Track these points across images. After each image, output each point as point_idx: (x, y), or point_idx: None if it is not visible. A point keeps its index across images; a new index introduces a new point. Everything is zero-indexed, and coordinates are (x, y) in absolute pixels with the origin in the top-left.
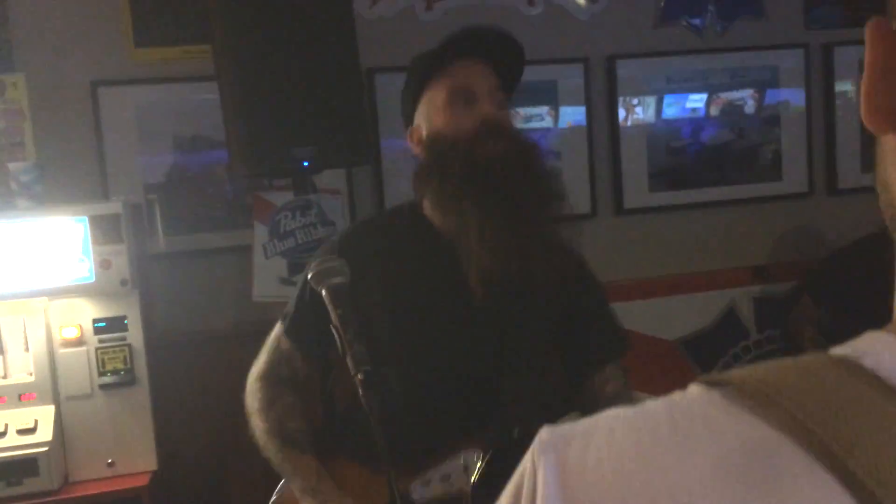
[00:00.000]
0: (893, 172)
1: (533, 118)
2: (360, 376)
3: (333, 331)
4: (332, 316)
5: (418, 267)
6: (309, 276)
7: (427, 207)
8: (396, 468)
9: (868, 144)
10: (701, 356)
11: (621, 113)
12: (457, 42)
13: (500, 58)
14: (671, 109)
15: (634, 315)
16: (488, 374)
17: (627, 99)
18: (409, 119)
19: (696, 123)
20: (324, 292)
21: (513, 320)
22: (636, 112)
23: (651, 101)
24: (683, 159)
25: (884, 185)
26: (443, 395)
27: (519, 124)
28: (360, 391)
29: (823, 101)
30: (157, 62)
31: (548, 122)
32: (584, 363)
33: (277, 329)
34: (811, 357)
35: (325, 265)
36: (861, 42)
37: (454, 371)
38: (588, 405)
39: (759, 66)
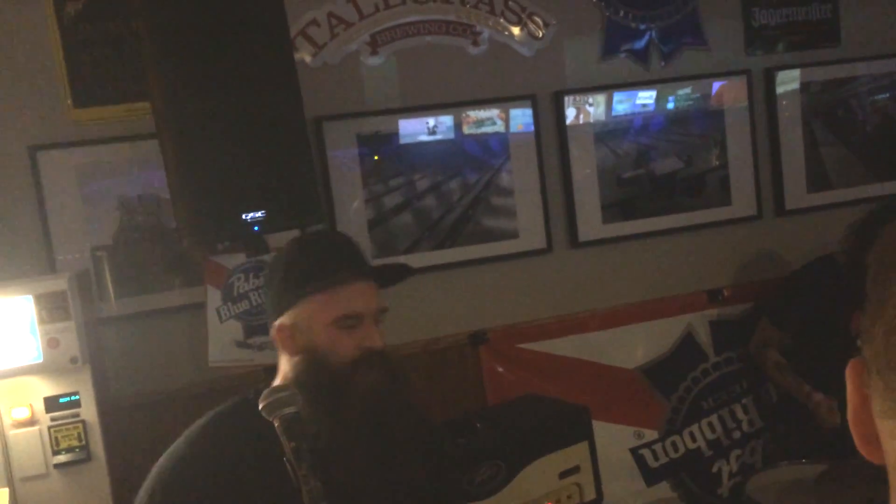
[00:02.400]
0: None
1: (485, 122)
2: None
3: (287, 465)
4: (286, 449)
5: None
6: (260, 407)
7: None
8: None
9: (812, 165)
10: (662, 382)
11: (572, 144)
12: (353, 260)
13: (389, 279)
14: (619, 140)
15: (594, 346)
16: None
17: (577, 133)
18: (276, 309)
19: (645, 152)
20: (276, 424)
21: None
22: (586, 144)
23: (601, 133)
24: (634, 190)
25: None
26: None
27: (470, 129)
28: None
29: (767, 124)
30: (98, 122)
31: (499, 127)
32: None
33: None
34: None
35: (276, 395)
36: (802, 65)
37: None
38: None
39: (704, 93)
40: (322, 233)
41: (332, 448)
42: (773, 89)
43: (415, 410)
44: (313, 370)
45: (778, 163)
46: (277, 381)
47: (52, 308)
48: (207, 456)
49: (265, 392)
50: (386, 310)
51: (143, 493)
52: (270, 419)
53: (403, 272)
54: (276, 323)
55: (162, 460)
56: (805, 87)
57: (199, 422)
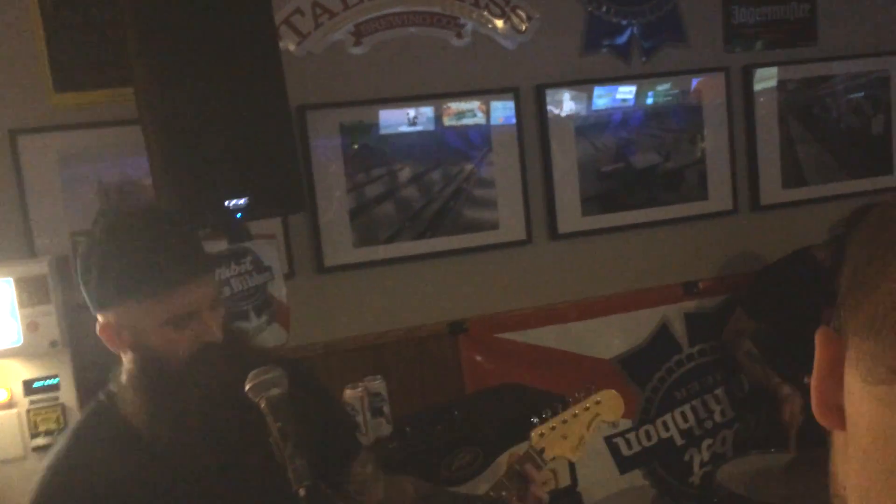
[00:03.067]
0: (841, 466)
1: (466, 114)
2: (301, 491)
3: (273, 445)
4: (272, 430)
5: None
6: (246, 388)
7: (132, 407)
8: None
9: (787, 162)
10: (637, 372)
11: (552, 138)
12: (173, 270)
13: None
14: (599, 134)
15: (572, 336)
16: None
17: (558, 126)
18: (94, 305)
19: (624, 146)
20: (262, 405)
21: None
22: (567, 138)
23: (582, 127)
24: (614, 183)
25: (832, 477)
26: None
27: (451, 121)
28: None
29: (744, 121)
30: (79, 106)
31: (480, 119)
32: (339, 462)
33: None
34: None
35: (262, 377)
36: (780, 63)
37: None
38: (357, 491)
39: (683, 89)
40: (137, 216)
41: (174, 453)
42: (751, 86)
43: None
44: (149, 373)
45: (754, 159)
46: (123, 377)
47: (32, 291)
48: (75, 479)
49: (252, 374)
50: (221, 295)
51: None
52: (256, 400)
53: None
54: (100, 320)
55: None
56: (782, 84)
57: (58, 445)
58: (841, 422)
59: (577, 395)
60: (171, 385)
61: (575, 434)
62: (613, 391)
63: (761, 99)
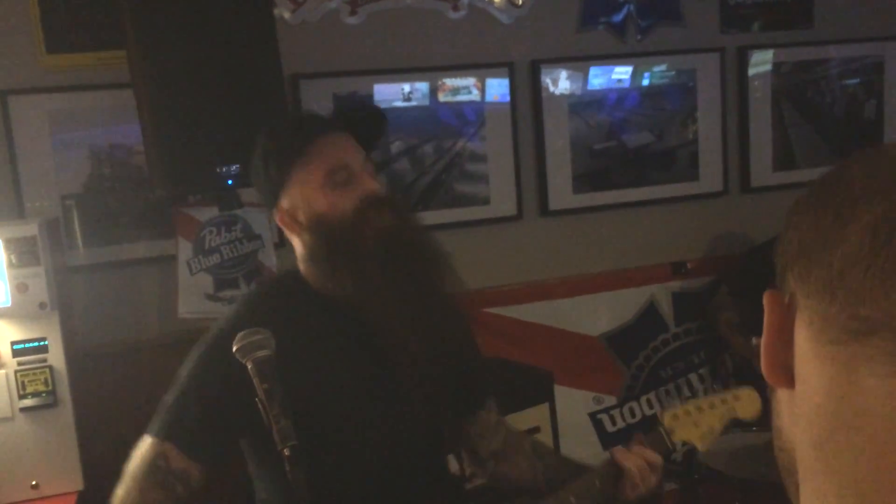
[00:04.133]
0: (786, 421)
1: (461, 90)
2: (286, 452)
3: (259, 405)
4: (259, 391)
5: (329, 344)
6: (234, 349)
7: (318, 282)
8: None
9: (779, 144)
10: (623, 350)
11: (546, 114)
12: (318, 118)
13: (363, 127)
14: (593, 112)
15: (560, 312)
16: (424, 443)
17: (552, 103)
18: (272, 198)
19: (618, 125)
20: (249, 366)
21: (430, 385)
22: (560, 114)
23: (576, 104)
24: (606, 161)
25: (777, 432)
26: (386, 472)
27: (446, 97)
28: (287, 467)
29: (738, 103)
30: (71, 69)
31: (475, 96)
32: (473, 400)
33: (153, 446)
34: None
35: (250, 339)
36: (775, 45)
37: (393, 446)
38: (478, 434)
39: (678, 69)
40: (285, 120)
41: (365, 307)
42: (746, 68)
43: (433, 246)
44: (322, 238)
45: (746, 140)
46: (300, 265)
47: (21, 253)
48: (272, 306)
49: (239, 335)
50: (373, 162)
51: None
52: (243, 362)
53: (376, 116)
54: (276, 212)
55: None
56: (777, 67)
57: (237, 305)
58: (788, 381)
59: (717, 387)
60: (345, 235)
61: (706, 423)
62: (755, 392)
63: (755, 81)
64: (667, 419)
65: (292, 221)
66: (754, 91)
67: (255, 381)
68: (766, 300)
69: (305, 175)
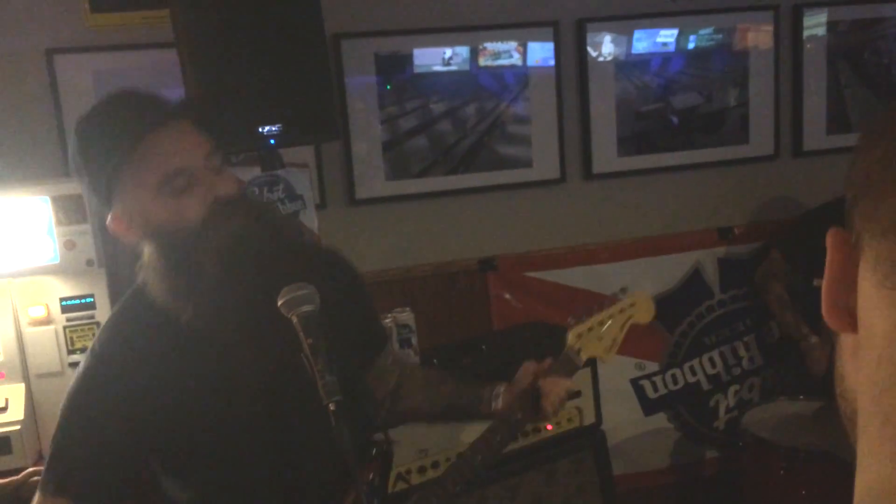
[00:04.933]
0: (849, 368)
1: (502, 55)
2: (331, 406)
3: (304, 360)
4: (304, 346)
5: (170, 367)
6: (279, 304)
7: (160, 298)
8: None
9: (833, 107)
10: (666, 316)
11: (591, 76)
12: (147, 103)
13: (197, 111)
14: (640, 73)
15: (602, 277)
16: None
17: (597, 64)
18: (104, 200)
19: (666, 87)
20: (294, 320)
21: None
22: (606, 75)
23: (622, 65)
24: (652, 124)
25: (839, 379)
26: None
27: (486, 61)
28: (332, 421)
29: (791, 63)
30: (116, 28)
31: (516, 60)
32: (369, 352)
33: None
34: None
35: (294, 293)
36: (831, 3)
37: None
38: (374, 378)
39: (730, 27)
40: (102, 100)
41: (200, 326)
42: (800, 26)
43: (292, 237)
44: (162, 252)
45: (799, 102)
46: (146, 273)
47: (69, 210)
48: (114, 361)
49: (283, 290)
50: (217, 153)
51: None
52: (289, 315)
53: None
54: (108, 219)
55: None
56: (832, 26)
57: (96, 336)
58: (850, 325)
59: (610, 297)
60: (185, 251)
61: (609, 336)
62: (647, 293)
63: (810, 40)
64: (571, 338)
65: (127, 230)
66: (809, 51)
67: (301, 335)
68: (829, 239)
69: (136, 181)
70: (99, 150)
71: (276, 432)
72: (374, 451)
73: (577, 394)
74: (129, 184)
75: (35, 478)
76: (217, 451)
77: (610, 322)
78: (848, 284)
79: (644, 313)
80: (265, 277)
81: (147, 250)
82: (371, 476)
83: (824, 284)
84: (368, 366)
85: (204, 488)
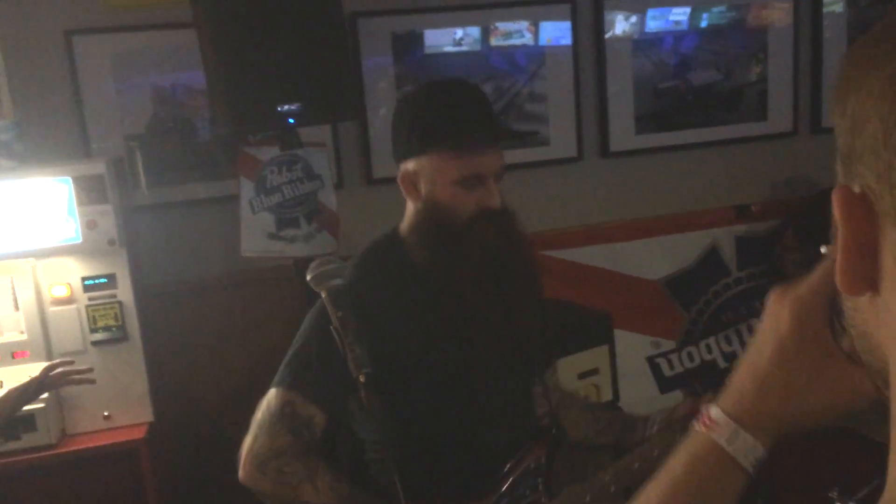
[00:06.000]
0: (871, 324)
1: (513, 34)
2: (361, 378)
3: (333, 333)
4: (333, 318)
5: (414, 309)
6: (308, 278)
7: (413, 249)
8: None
9: None
10: (683, 294)
11: (608, 53)
12: (475, 132)
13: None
14: (657, 50)
15: (619, 255)
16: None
17: (614, 41)
18: (401, 155)
19: (683, 64)
20: (323, 294)
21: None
22: (623, 53)
23: (640, 41)
24: (670, 101)
25: (862, 337)
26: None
27: (497, 41)
28: (362, 392)
29: (811, 38)
30: (134, 9)
31: (528, 39)
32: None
33: (279, 395)
34: None
35: (324, 268)
36: None
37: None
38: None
39: (744, 4)
40: (454, 84)
41: (450, 295)
42: (820, 1)
43: (529, 268)
44: (434, 223)
45: (818, 78)
46: (404, 223)
47: (90, 190)
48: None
49: (312, 265)
50: (506, 170)
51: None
52: (318, 290)
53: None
54: (401, 168)
55: None
56: (853, 0)
57: (352, 264)
58: (870, 288)
59: None
60: (452, 237)
61: None
62: None
63: (829, 17)
64: None
65: (412, 186)
66: (829, 25)
67: (330, 309)
68: (836, 200)
69: (444, 165)
70: (436, 118)
71: (483, 395)
72: (551, 432)
73: (594, 371)
74: (437, 160)
75: (55, 371)
76: (435, 395)
77: None
78: (866, 259)
79: None
80: (506, 275)
81: (415, 213)
82: (539, 456)
83: (840, 257)
84: (539, 374)
85: (408, 428)
